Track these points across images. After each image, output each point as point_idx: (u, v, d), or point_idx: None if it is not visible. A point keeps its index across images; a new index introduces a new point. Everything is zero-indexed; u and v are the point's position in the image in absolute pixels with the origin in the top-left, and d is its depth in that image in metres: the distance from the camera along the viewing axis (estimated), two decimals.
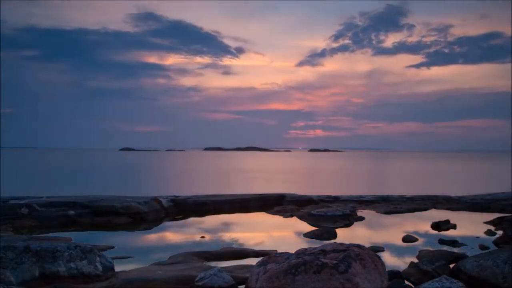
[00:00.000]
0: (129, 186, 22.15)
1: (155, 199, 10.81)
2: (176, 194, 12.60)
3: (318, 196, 12.92)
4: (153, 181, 25.98)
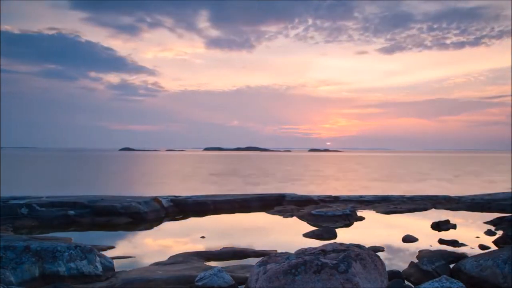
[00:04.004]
0: (129, 186, 22.14)
1: (155, 199, 10.82)
2: (176, 194, 12.61)
3: (318, 196, 12.93)
4: (153, 181, 25.96)
